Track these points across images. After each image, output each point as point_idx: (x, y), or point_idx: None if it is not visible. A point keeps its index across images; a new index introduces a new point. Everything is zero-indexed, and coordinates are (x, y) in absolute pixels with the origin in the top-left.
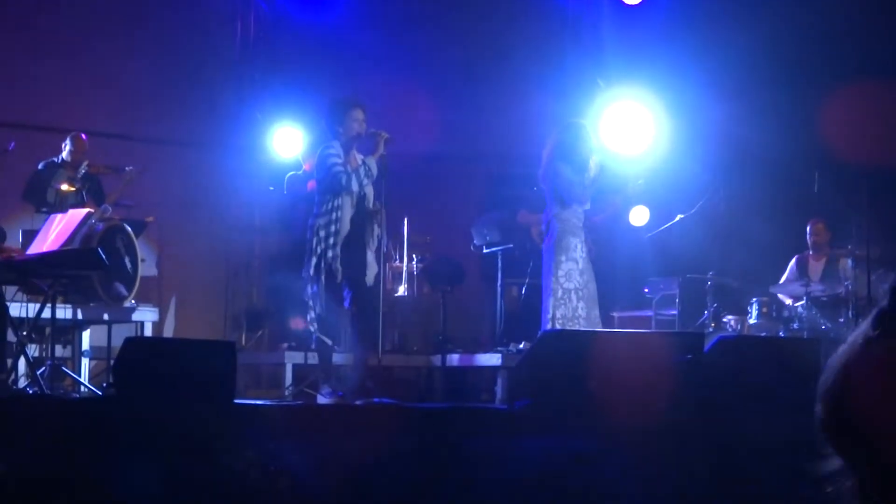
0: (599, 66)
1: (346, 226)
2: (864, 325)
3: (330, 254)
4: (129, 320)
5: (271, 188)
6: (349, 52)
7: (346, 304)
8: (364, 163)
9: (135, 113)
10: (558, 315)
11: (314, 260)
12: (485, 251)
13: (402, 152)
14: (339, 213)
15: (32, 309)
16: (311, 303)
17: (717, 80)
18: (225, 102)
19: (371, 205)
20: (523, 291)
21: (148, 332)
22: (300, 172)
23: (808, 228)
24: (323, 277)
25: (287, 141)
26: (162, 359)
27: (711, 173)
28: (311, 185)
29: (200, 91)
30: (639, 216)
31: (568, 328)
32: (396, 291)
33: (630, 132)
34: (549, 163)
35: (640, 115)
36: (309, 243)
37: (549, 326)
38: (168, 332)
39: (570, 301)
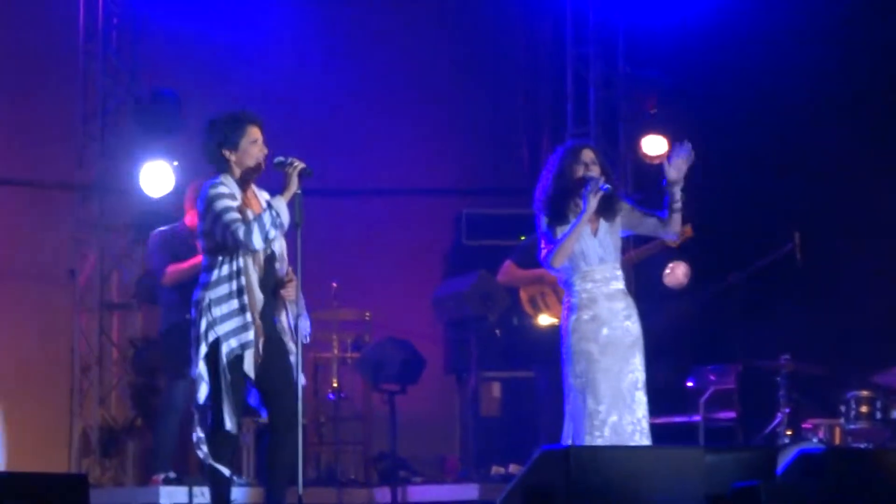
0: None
1: (257, 296)
2: None
3: (231, 342)
4: None
5: None
6: (258, 66)
7: (265, 414)
8: (270, 206)
9: None
10: (570, 426)
11: (203, 349)
12: (451, 331)
13: (330, 188)
14: (241, 281)
15: None
16: (198, 415)
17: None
18: (67, 126)
19: (279, 263)
20: (509, 390)
21: None
22: (173, 227)
23: None
24: (223, 376)
25: (159, 177)
26: None
27: (782, 213)
28: (172, 270)
29: (32, 111)
30: (675, 276)
31: (580, 443)
32: (321, 393)
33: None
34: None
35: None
36: (195, 326)
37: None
38: None
39: (585, 404)
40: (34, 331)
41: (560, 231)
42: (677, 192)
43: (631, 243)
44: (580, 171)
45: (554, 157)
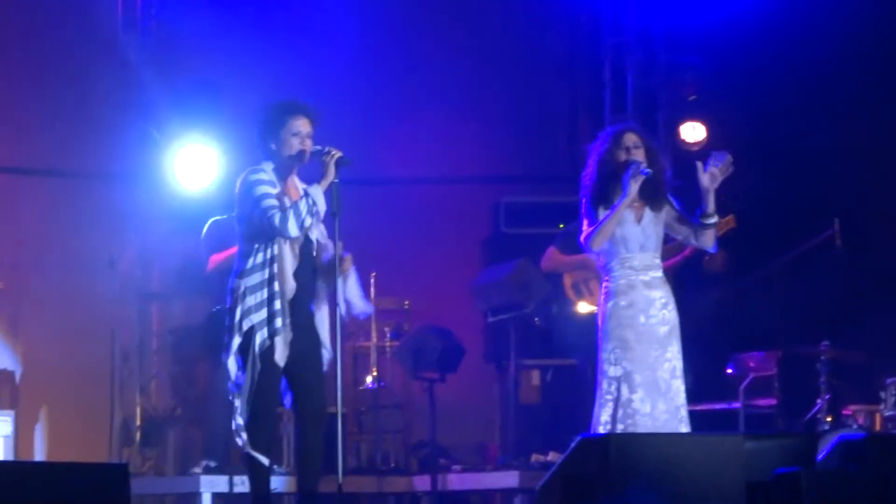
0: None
1: (289, 285)
2: None
3: (263, 330)
4: None
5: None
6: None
7: (288, 403)
8: (307, 194)
9: None
10: (602, 414)
11: (237, 339)
12: (490, 319)
13: (368, 178)
14: (276, 267)
15: None
16: (235, 403)
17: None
18: (103, 113)
19: (316, 252)
20: (548, 378)
21: None
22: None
23: None
24: (254, 365)
25: (196, 166)
26: (22, 492)
27: (821, 199)
28: (214, 259)
29: (72, 102)
30: (715, 262)
31: (618, 431)
32: (361, 382)
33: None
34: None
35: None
36: (230, 314)
37: (597, 428)
38: (28, 450)
39: (618, 392)
40: (74, 321)
41: (602, 215)
42: (711, 204)
43: None
44: (623, 156)
45: (597, 142)
